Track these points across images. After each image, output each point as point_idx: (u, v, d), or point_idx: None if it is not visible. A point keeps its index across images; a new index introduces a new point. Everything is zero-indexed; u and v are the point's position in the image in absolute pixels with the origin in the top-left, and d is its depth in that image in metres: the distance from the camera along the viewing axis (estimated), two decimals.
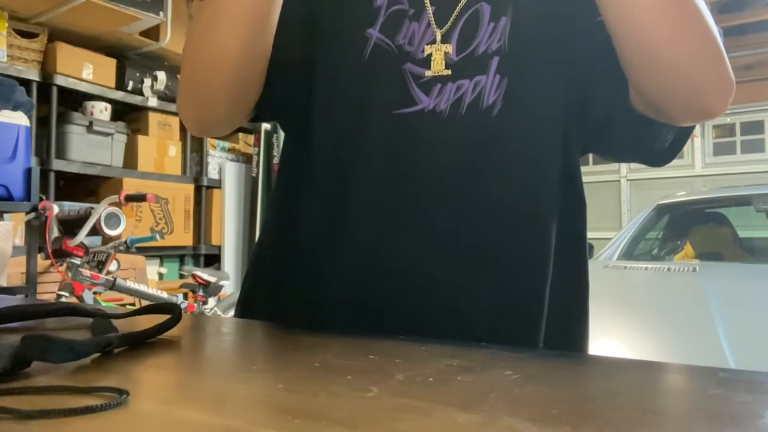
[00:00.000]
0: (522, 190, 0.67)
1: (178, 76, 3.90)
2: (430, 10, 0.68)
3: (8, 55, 3.15)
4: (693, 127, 0.69)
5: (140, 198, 2.43)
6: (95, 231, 2.36)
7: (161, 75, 3.79)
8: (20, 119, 2.41)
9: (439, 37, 0.68)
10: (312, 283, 0.68)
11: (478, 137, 0.66)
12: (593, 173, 6.02)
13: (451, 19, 0.67)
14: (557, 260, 0.69)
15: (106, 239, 2.60)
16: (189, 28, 0.64)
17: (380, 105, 0.67)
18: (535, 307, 0.67)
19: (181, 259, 4.10)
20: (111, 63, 3.60)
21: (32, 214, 2.41)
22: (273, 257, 0.74)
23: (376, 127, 0.67)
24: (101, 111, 3.57)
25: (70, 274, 2.36)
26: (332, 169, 0.69)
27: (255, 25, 0.62)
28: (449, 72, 0.67)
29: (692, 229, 3.32)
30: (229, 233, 4.27)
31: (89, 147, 3.48)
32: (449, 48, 0.67)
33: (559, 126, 0.68)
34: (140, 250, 3.29)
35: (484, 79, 0.66)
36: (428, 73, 0.67)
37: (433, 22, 0.68)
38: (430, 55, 0.67)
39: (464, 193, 0.66)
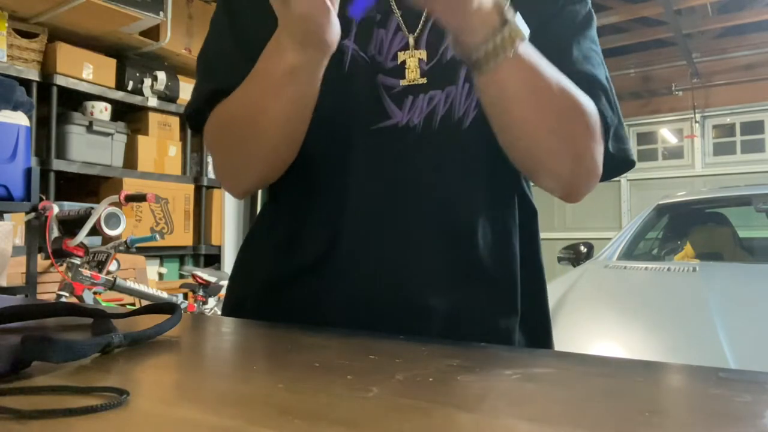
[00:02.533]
0: (495, 201, 0.69)
1: (179, 76, 3.90)
2: (397, 14, 0.66)
3: (8, 55, 3.15)
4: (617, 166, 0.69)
5: (140, 198, 2.43)
6: (95, 231, 2.36)
7: (161, 75, 3.78)
8: (20, 119, 2.41)
9: (412, 42, 0.66)
10: (303, 299, 0.68)
11: (450, 151, 0.66)
12: None
13: (421, 23, 0.66)
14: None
15: (106, 239, 2.60)
16: (231, 108, 0.59)
17: (359, 120, 0.66)
18: (513, 314, 0.69)
19: (181, 259, 4.10)
20: (111, 63, 3.60)
21: (32, 214, 2.41)
22: (262, 274, 0.73)
23: (358, 144, 0.66)
24: (101, 111, 3.57)
25: (70, 274, 2.36)
26: (322, 186, 0.68)
27: (306, 106, 0.61)
28: (424, 80, 0.66)
29: (692, 229, 3.32)
30: (229, 233, 4.27)
31: (89, 147, 3.48)
32: (423, 54, 0.66)
33: None
34: (140, 250, 3.28)
35: (455, 90, 0.66)
36: (403, 83, 0.66)
37: (403, 27, 0.66)
38: (404, 63, 0.66)
39: (440, 209, 0.66)
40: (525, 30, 0.55)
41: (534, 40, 0.58)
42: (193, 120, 0.71)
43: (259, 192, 0.82)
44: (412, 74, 0.66)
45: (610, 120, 0.65)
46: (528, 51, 0.56)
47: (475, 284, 0.68)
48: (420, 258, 0.66)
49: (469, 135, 0.66)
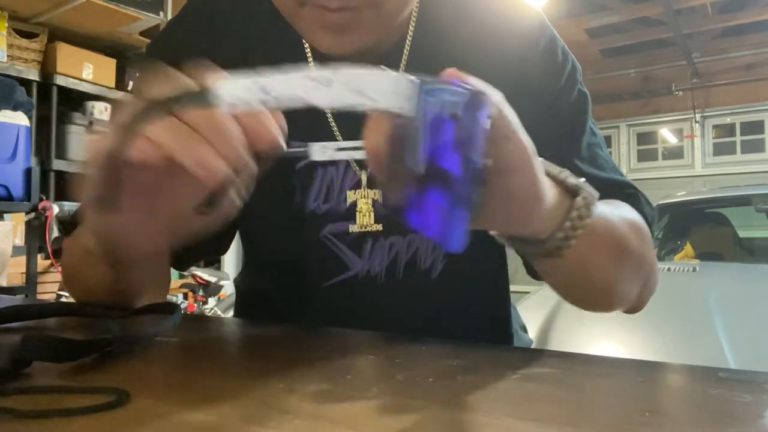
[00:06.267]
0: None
1: None
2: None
3: (8, 55, 3.15)
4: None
5: None
6: None
7: None
8: (20, 119, 2.41)
9: (364, 180, 0.57)
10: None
11: (418, 302, 0.60)
12: None
13: None
14: None
15: None
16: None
17: (312, 278, 0.60)
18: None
19: None
20: (111, 63, 3.60)
21: (32, 214, 2.41)
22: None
23: (314, 301, 0.61)
24: (101, 111, 3.56)
25: None
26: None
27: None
28: (380, 227, 0.57)
29: (692, 229, 3.32)
30: None
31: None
32: (377, 194, 0.56)
33: (502, 274, 0.65)
34: None
35: (417, 238, 0.58)
36: (353, 228, 0.57)
37: (353, 162, 0.57)
38: (355, 204, 0.57)
39: None
40: (593, 191, 0.44)
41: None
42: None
43: None
44: (365, 218, 0.57)
45: (650, 218, 0.58)
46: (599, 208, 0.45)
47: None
48: None
49: (439, 286, 0.59)
